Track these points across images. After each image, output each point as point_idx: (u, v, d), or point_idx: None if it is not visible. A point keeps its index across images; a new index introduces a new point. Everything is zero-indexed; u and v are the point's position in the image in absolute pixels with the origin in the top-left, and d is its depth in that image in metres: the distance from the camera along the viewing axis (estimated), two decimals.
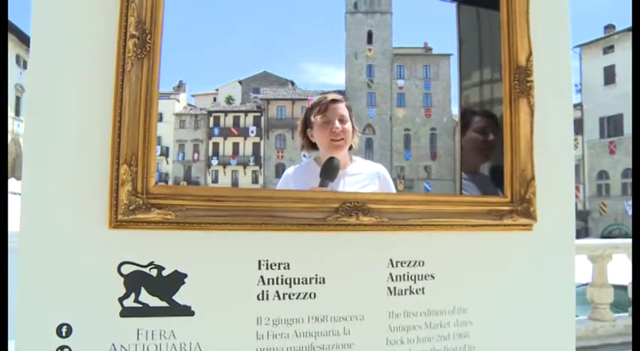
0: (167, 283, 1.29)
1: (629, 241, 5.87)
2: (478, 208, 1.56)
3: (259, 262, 1.36)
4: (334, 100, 1.97)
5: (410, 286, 1.49)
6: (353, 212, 1.40)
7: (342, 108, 1.96)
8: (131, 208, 1.25)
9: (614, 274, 5.37)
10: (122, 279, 1.26)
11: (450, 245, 1.53)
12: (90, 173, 1.25)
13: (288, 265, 1.37)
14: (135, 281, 1.27)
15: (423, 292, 1.50)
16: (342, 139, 1.93)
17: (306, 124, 2.04)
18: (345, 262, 1.42)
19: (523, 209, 1.60)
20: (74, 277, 1.23)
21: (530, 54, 1.64)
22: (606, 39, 37.00)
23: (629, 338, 4.87)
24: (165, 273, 1.29)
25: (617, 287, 5.39)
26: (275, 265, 1.37)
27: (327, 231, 1.40)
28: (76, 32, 1.27)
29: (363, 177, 1.97)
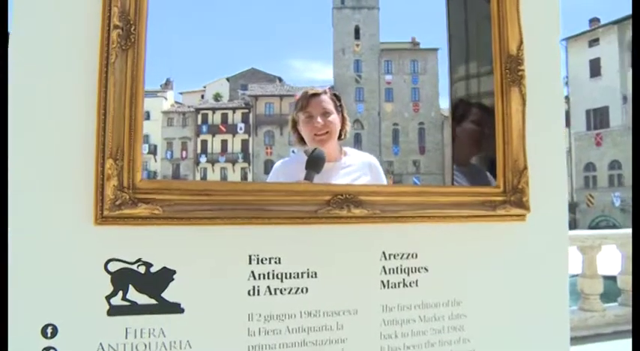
0: (155, 280, 1.26)
1: (618, 231, 5.91)
2: (471, 198, 1.54)
3: (250, 256, 1.33)
4: (314, 95, 1.94)
5: (403, 279, 1.47)
6: (344, 205, 1.38)
7: (324, 101, 1.94)
8: (117, 203, 1.22)
9: (603, 264, 5.40)
10: (109, 276, 1.23)
11: (443, 237, 1.52)
12: (74, 168, 1.22)
13: (280, 259, 1.35)
14: (122, 279, 1.24)
15: (417, 285, 1.48)
16: (326, 132, 1.91)
17: (295, 119, 2.02)
18: (338, 255, 1.40)
19: (516, 199, 1.58)
20: (59, 275, 1.19)
21: (521, 43, 1.62)
22: (591, 32, 37.34)
23: (620, 328, 4.91)
24: (153, 270, 1.26)
25: (606, 278, 5.42)
26: (266, 259, 1.34)
27: (319, 224, 1.37)
28: (58, 23, 1.23)
29: (354, 168, 1.95)
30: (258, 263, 1.34)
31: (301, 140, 2.01)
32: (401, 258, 1.47)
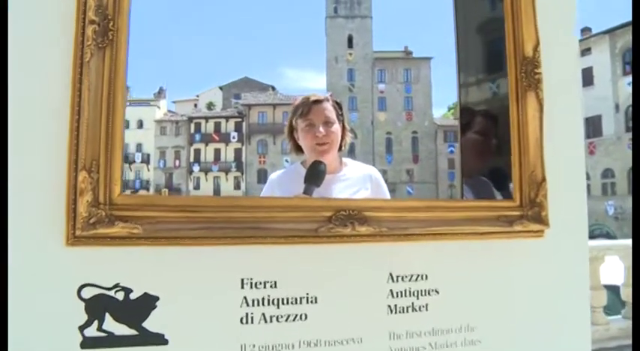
0: (136, 308, 1.13)
1: (621, 242, 5.79)
2: (485, 213, 1.41)
3: (242, 280, 1.19)
4: (317, 101, 1.79)
5: (412, 303, 1.33)
6: (348, 221, 1.24)
7: (326, 109, 1.79)
8: (91, 221, 1.08)
9: (605, 276, 5.27)
10: (83, 304, 1.09)
11: (455, 256, 1.38)
12: (43, 181, 1.08)
13: (275, 283, 1.21)
14: (98, 306, 1.10)
15: (427, 309, 1.34)
16: (327, 143, 1.76)
17: (292, 125, 1.87)
18: (340, 278, 1.26)
19: (534, 214, 1.45)
20: (26, 302, 1.05)
21: (537, 44, 1.50)
22: (583, 41, 37.49)
23: (624, 341, 4.77)
24: (133, 296, 1.12)
25: (608, 289, 5.30)
26: (260, 283, 1.20)
27: (319, 243, 1.23)
28: (28, 18, 1.10)
29: (354, 181, 1.81)
30: (251, 288, 1.20)
31: (297, 148, 1.87)
32: (410, 280, 1.33)
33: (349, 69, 46.14)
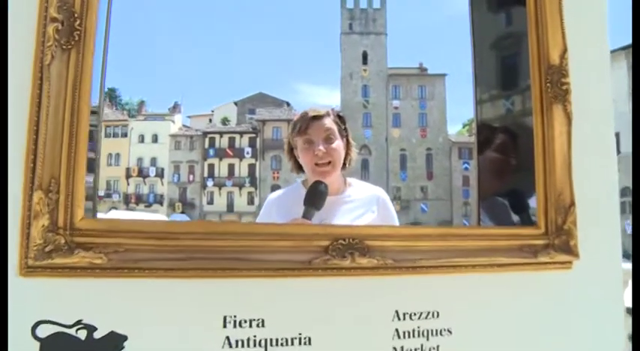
0: (100, 349, 0.98)
1: None
2: (506, 243, 1.24)
3: (225, 318, 1.04)
4: (315, 117, 1.63)
5: (421, 345, 1.16)
6: (347, 252, 1.08)
7: (326, 125, 1.62)
8: (47, 249, 0.93)
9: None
10: (38, 344, 0.95)
11: (471, 291, 1.21)
12: None
13: (263, 321, 1.05)
14: (56, 347, 0.96)
15: None
16: (328, 162, 1.59)
17: (291, 143, 1.71)
18: (338, 316, 1.10)
19: (561, 243, 1.28)
20: None
21: (564, 50, 1.34)
22: None
23: None
24: (97, 335, 0.98)
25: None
26: (245, 322, 1.05)
27: (314, 277, 1.08)
28: None
29: (359, 203, 1.63)
30: (235, 327, 1.04)
31: (299, 167, 1.71)
32: (419, 318, 1.16)
33: (364, 85, 46.12)
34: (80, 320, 0.97)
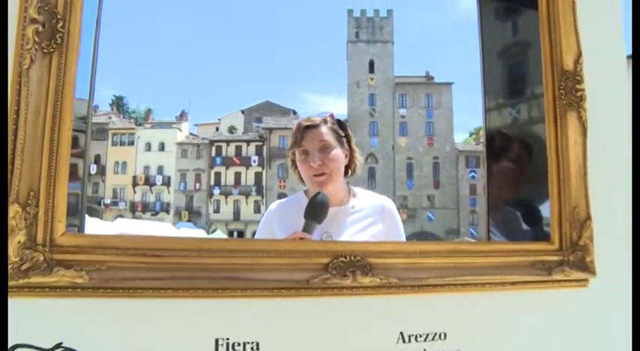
0: None
1: None
2: (518, 259, 1.16)
3: (217, 341, 0.97)
4: (309, 126, 1.56)
5: None
6: (349, 270, 1.00)
7: (322, 134, 1.54)
8: (24, 267, 0.86)
9: None
10: None
11: (481, 311, 1.14)
12: None
13: (258, 345, 0.98)
14: None
15: None
16: (325, 173, 1.51)
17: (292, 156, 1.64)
18: (338, 339, 1.02)
19: (577, 260, 1.20)
20: None
21: (579, 55, 1.26)
22: None
23: None
24: None
25: None
26: (239, 345, 0.97)
27: (313, 297, 1.00)
28: None
29: (364, 214, 1.56)
30: (227, 350, 0.96)
31: (303, 179, 1.65)
32: (425, 340, 1.08)
33: (370, 94, 46.12)
34: (60, 343, 0.90)
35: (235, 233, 41.16)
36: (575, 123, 1.24)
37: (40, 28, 0.91)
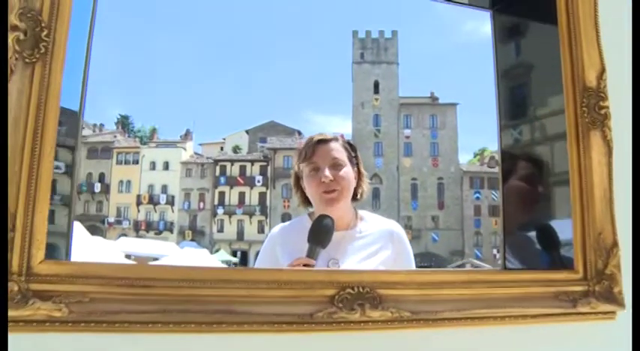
0: None
1: None
2: (540, 289, 1.07)
3: None
4: (321, 141, 1.48)
5: None
6: (357, 303, 0.91)
7: (334, 150, 1.46)
8: None
9: None
10: None
11: (500, 346, 1.04)
12: None
13: None
14: None
15: None
16: (336, 190, 1.43)
17: (297, 174, 1.55)
18: None
19: (603, 290, 1.11)
20: None
21: (602, 71, 1.18)
22: None
23: None
24: None
25: None
26: None
27: (317, 332, 0.91)
28: None
29: (372, 239, 1.46)
30: None
31: (306, 200, 1.55)
32: None
33: (375, 114, 46.19)
34: None
35: (239, 253, 41.08)
36: (599, 143, 1.16)
37: (22, 36, 0.83)
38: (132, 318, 0.83)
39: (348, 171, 1.46)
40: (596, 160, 1.15)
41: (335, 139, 1.49)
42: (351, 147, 1.52)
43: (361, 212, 1.54)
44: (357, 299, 0.91)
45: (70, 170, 0.94)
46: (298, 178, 1.54)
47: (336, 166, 1.44)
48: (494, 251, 43.14)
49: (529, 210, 1.40)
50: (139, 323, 0.83)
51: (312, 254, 1.28)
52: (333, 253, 1.37)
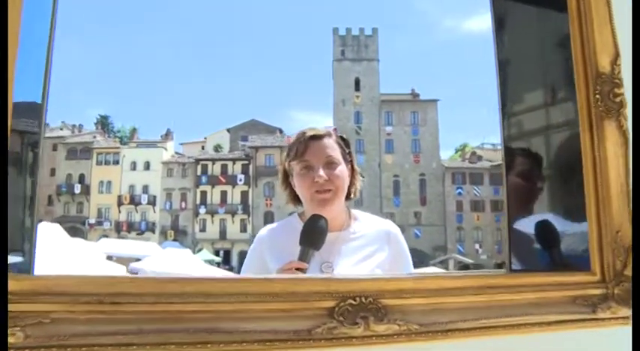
0: None
1: None
2: (556, 293, 0.98)
3: None
4: (314, 137, 1.37)
5: None
6: (359, 316, 0.80)
7: (328, 147, 1.36)
8: None
9: None
10: None
11: None
12: None
13: None
14: None
15: None
16: (330, 190, 1.33)
17: (287, 170, 1.45)
18: None
19: (623, 293, 1.01)
20: None
21: (616, 56, 1.09)
22: None
23: None
24: None
25: None
26: None
27: (316, 350, 0.79)
28: None
29: (367, 240, 1.36)
30: None
31: (295, 198, 1.44)
32: None
33: (356, 111, 46.15)
34: None
35: (222, 252, 40.82)
36: (614, 133, 1.07)
37: None
38: (102, 340, 0.71)
39: (342, 170, 1.34)
40: (611, 151, 1.06)
41: (328, 134, 1.38)
42: (344, 142, 1.41)
43: (354, 212, 1.43)
44: (360, 311, 0.80)
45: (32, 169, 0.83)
46: (287, 175, 1.43)
47: (330, 164, 1.32)
48: (477, 246, 43.53)
49: (530, 205, 1.32)
50: (111, 346, 0.72)
51: (304, 257, 1.17)
52: (325, 256, 1.27)
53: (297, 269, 1.16)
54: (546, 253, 1.25)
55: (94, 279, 0.75)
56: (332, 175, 1.31)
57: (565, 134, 1.18)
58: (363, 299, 0.81)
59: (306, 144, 1.34)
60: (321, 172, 1.30)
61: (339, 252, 1.31)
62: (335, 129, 1.43)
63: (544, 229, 1.24)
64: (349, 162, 1.39)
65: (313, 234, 1.21)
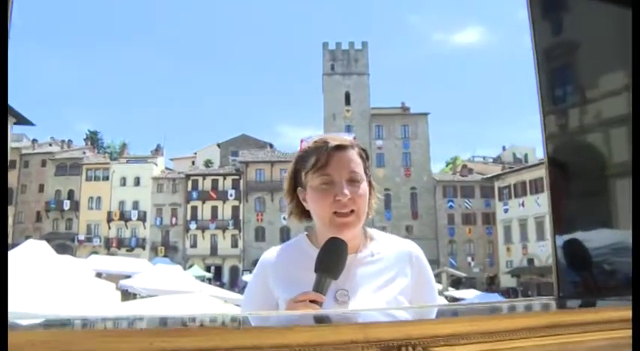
0: None
1: None
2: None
3: None
4: (340, 147, 1.14)
5: None
6: None
7: (352, 160, 1.14)
8: None
9: None
10: None
11: None
12: None
13: None
14: None
15: None
16: (352, 211, 1.11)
17: (296, 180, 1.20)
18: None
19: None
20: None
21: None
22: None
23: None
24: None
25: None
26: None
27: None
28: None
29: (385, 264, 1.14)
30: None
31: (303, 214, 1.22)
32: None
33: (347, 125, 46.18)
34: None
35: (213, 268, 40.45)
36: None
37: None
38: None
39: (365, 188, 1.11)
40: None
41: (351, 145, 1.14)
42: (365, 154, 1.19)
43: (371, 231, 1.21)
44: None
45: None
46: (295, 185, 1.20)
47: (353, 181, 1.09)
48: (469, 259, 43.37)
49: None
50: None
51: (321, 287, 0.96)
52: (340, 283, 1.05)
53: (312, 301, 0.95)
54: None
55: (71, 332, 0.54)
56: (356, 194, 1.08)
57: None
58: (410, 349, 0.61)
59: (329, 154, 1.10)
60: (346, 190, 1.07)
61: (355, 277, 1.10)
62: (354, 138, 1.20)
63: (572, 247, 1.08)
64: (368, 177, 1.17)
65: (332, 260, 1.00)
